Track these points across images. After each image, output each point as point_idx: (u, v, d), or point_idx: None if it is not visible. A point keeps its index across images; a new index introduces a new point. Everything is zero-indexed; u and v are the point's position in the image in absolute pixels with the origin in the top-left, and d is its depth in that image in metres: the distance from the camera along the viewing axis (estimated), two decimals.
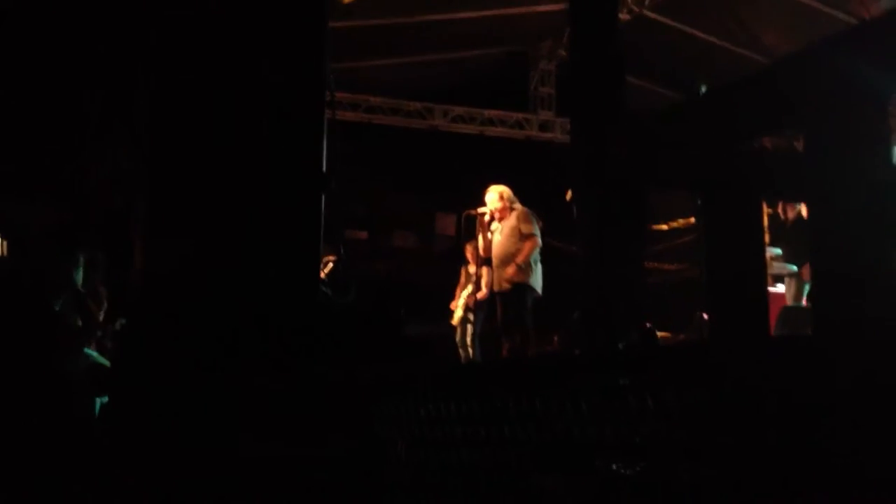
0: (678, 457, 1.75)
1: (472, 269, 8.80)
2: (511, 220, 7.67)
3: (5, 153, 8.39)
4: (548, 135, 12.91)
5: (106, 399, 5.47)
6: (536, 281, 7.62)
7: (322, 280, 5.04)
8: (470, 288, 8.77)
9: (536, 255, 7.62)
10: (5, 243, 8.17)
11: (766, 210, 8.92)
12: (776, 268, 8.54)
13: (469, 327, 8.91)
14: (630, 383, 2.01)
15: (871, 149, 2.36)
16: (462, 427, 2.38)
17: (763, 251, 6.61)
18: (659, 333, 9.61)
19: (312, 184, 4.43)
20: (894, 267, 2.37)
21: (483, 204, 7.79)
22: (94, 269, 6.77)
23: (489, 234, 7.76)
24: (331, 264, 6.42)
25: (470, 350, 8.84)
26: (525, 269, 7.46)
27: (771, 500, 1.54)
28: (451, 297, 9.30)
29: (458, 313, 8.98)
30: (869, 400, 1.27)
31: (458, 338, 8.90)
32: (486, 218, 7.77)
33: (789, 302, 8.33)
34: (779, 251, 8.42)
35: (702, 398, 1.65)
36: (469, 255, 8.89)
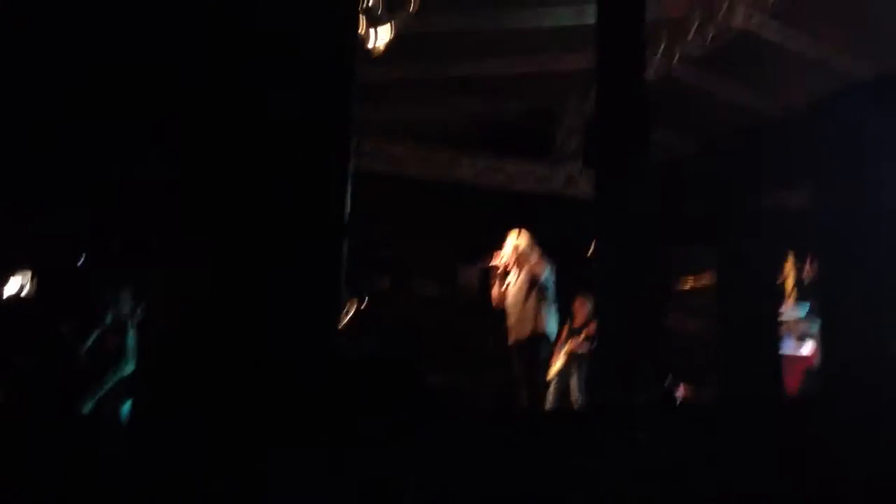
0: None
1: (576, 323, 8.88)
2: (524, 270, 7.59)
3: (29, 192, 8.48)
4: (573, 190, 12.89)
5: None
6: (551, 330, 7.52)
7: (341, 329, 5.05)
8: (570, 343, 8.79)
9: (551, 303, 7.50)
10: (35, 281, 8.24)
11: (793, 265, 8.82)
12: (802, 327, 8.41)
13: (573, 379, 8.73)
14: (647, 439, 2.00)
15: (879, 202, 2.34)
16: (480, 483, 2.37)
17: (777, 309, 6.51)
18: (681, 385, 9.51)
19: (335, 232, 4.46)
20: None
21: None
22: (118, 304, 6.82)
23: (504, 286, 7.65)
24: (352, 311, 6.43)
25: (573, 399, 8.71)
26: (538, 319, 7.36)
27: None
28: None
29: (559, 365, 8.79)
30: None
31: (552, 389, 8.58)
32: (500, 270, 7.67)
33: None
34: (806, 308, 8.27)
35: (713, 454, 1.64)
36: (576, 309, 8.97)
